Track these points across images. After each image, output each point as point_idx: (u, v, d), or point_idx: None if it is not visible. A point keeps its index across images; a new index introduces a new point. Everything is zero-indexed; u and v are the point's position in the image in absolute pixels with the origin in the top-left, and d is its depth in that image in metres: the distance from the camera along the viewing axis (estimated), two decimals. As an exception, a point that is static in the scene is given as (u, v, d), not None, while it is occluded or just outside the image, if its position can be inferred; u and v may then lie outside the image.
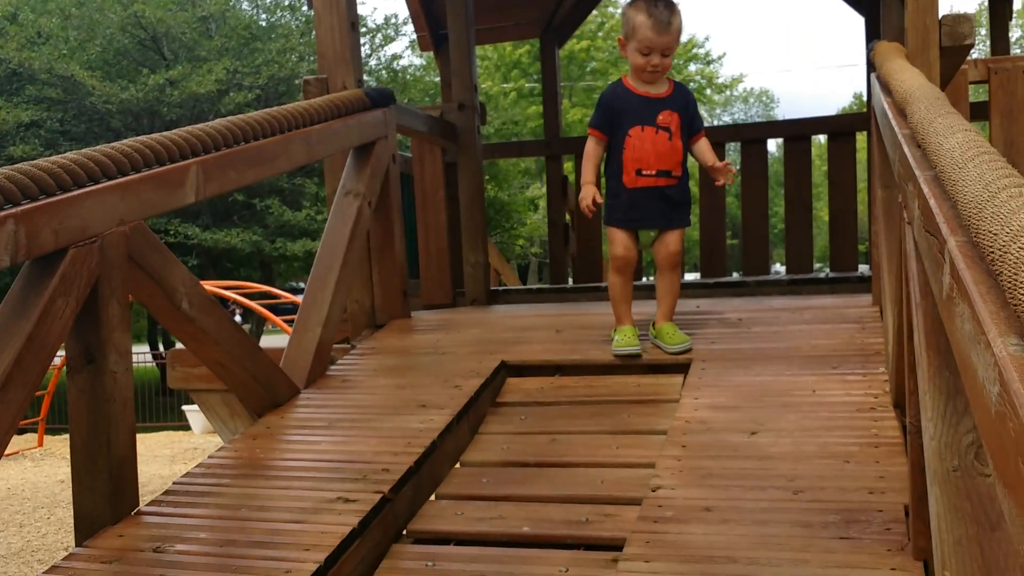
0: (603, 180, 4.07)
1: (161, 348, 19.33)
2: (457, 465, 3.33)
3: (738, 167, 10.60)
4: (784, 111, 51.22)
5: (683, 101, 3.90)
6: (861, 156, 7.85)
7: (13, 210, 2.48)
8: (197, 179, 3.20)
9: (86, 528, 2.79)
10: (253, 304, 12.47)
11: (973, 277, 1.26)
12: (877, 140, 3.61)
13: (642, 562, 2.34)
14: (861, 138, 6.85)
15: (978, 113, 4.48)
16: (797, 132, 6.58)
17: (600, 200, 3.85)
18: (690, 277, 6.58)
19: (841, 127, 6.58)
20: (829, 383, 3.38)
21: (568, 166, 7.56)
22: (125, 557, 2.58)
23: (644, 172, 3.81)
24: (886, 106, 2.87)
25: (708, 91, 34.04)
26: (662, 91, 3.88)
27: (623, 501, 2.88)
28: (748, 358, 3.68)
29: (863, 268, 6.51)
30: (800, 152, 6.55)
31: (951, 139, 1.80)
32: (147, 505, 2.91)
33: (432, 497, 3.11)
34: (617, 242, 3.89)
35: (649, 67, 3.79)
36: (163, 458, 10.82)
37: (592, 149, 3.94)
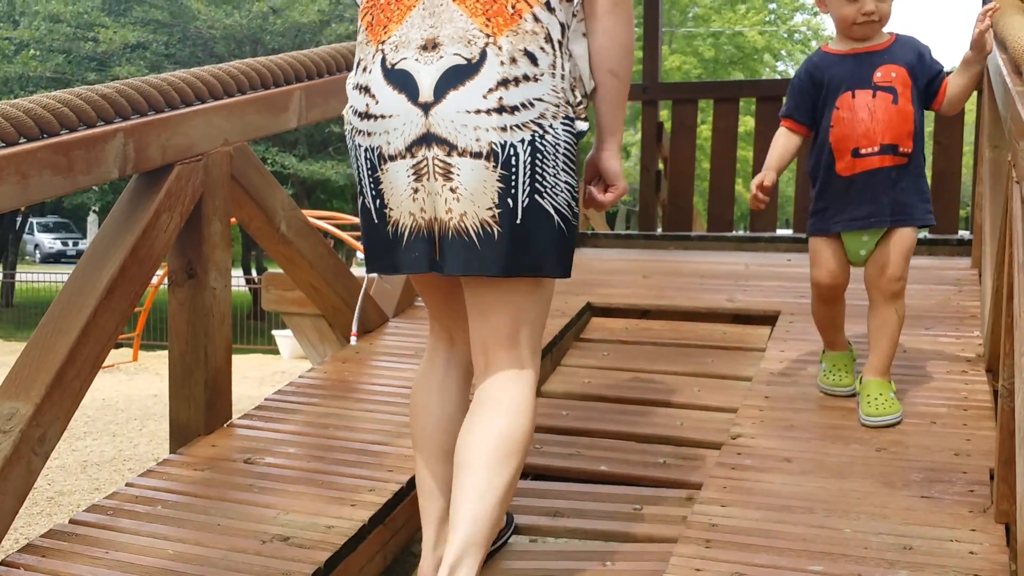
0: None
1: (254, 273, 19.75)
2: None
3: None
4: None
5: (910, 52, 2.85)
6: (967, 118, 7.58)
7: (122, 124, 2.55)
8: (300, 104, 3.26)
9: (180, 437, 2.91)
10: (344, 235, 12.65)
11: (1082, 235, 1.24)
12: (989, 98, 3.51)
13: (718, 506, 2.35)
14: (969, 99, 6.61)
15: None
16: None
17: (767, 185, 2.88)
18: (783, 232, 6.48)
19: (951, 85, 6.36)
20: (921, 343, 3.34)
21: (664, 113, 7.44)
22: (217, 466, 2.68)
23: (864, 151, 2.81)
24: (1001, 62, 2.79)
25: (814, 43, 33.21)
26: (879, 43, 2.87)
27: (702, 444, 2.90)
28: (838, 314, 3.63)
29: (963, 233, 6.34)
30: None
31: (1069, 96, 1.75)
32: (239, 418, 3.01)
33: (513, 429, 3.15)
34: (821, 264, 2.93)
35: (862, 16, 2.78)
36: (252, 380, 11.10)
37: (777, 139, 2.98)
